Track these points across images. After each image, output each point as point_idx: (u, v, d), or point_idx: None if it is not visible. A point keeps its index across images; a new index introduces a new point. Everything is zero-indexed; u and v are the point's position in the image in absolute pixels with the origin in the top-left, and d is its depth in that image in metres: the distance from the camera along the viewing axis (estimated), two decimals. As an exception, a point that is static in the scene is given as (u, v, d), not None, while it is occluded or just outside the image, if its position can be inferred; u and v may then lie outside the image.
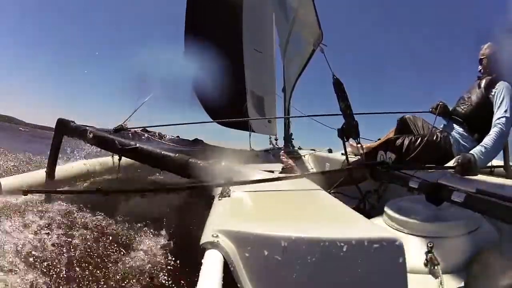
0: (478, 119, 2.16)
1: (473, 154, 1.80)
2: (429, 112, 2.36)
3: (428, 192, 1.26)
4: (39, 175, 2.70)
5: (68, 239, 1.83)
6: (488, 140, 1.95)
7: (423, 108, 2.48)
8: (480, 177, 1.64)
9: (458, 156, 1.81)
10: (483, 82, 2.18)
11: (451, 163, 1.97)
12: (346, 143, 1.96)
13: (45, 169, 2.69)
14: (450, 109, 2.38)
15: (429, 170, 1.68)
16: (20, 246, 1.67)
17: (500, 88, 2.07)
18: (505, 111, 2.00)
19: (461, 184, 1.29)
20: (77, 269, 1.60)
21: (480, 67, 2.28)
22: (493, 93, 2.09)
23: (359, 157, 2.49)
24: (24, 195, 2.13)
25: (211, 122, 4.35)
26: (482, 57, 2.26)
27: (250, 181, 1.43)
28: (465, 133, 2.22)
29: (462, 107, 2.28)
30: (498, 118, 2.00)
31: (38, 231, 1.85)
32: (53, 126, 2.62)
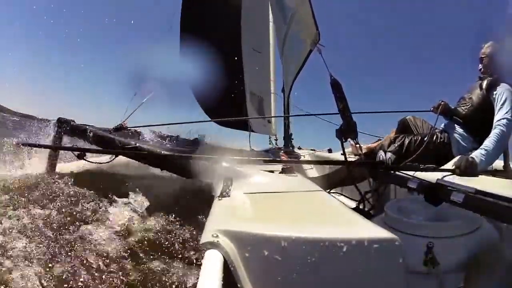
0: (478, 120, 2.16)
1: (473, 157, 1.79)
2: (431, 111, 2.34)
3: (426, 192, 1.26)
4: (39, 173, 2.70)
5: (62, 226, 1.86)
6: (488, 142, 1.93)
7: (424, 108, 2.46)
8: (479, 177, 1.64)
9: (459, 157, 1.80)
10: (484, 83, 2.17)
11: (449, 164, 1.97)
12: (347, 143, 1.95)
13: (45, 167, 2.69)
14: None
15: (429, 171, 1.68)
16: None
17: (501, 90, 2.06)
18: (506, 113, 1.98)
19: (460, 185, 1.29)
20: (73, 264, 1.61)
21: (480, 66, 2.27)
22: (494, 95, 2.08)
23: (358, 157, 2.49)
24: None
25: (211, 121, 4.35)
26: (483, 56, 2.24)
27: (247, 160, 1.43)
28: (465, 134, 2.21)
29: (462, 108, 2.27)
30: (499, 120, 1.99)
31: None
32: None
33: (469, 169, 1.66)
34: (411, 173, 1.65)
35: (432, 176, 1.53)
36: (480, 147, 1.93)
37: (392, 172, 1.72)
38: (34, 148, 2.59)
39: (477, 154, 1.86)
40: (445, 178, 1.51)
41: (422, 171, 1.65)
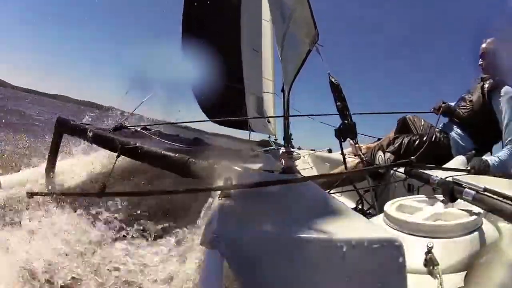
0: (479, 122, 2.16)
1: (487, 160, 1.83)
2: (431, 112, 2.35)
3: (445, 189, 1.27)
4: (39, 172, 2.70)
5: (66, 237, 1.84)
6: (503, 153, 1.98)
7: (424, 108, 2.47)
8: (485, 178, 1.65)
9: (474, 158, 1.83)
10: (485, 85, 2.17)
11: (451, 164, 1.97)
12: (346, 143, 1.96)
13: (45, 167, 2.69)
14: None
15: (445, 171, 1.70)
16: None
17: (505, 99, 2.06)
18: None
19: (470, 183, 1.30)
20: (74, 269, 1.61)
21: (481, 61, 2.26)
22: (497, 100, 2.08)
23: (357, 157, 2.49)
24: (29, 198, 2.13)
25: (210, 121, 4.35)
26: (484, 51, 2.24)
27: (251, 184, 1.43)
28: (464, 134, 2.22)
29: (463, 111, 2.28)
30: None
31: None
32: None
33: (482, 169, 1.70)
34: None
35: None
36: (495, 155, 1.97)
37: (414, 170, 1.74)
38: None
39: (492, 160, 1.89)
40: (456, 177, 1.52)
41: (441, 171, 1.68)
